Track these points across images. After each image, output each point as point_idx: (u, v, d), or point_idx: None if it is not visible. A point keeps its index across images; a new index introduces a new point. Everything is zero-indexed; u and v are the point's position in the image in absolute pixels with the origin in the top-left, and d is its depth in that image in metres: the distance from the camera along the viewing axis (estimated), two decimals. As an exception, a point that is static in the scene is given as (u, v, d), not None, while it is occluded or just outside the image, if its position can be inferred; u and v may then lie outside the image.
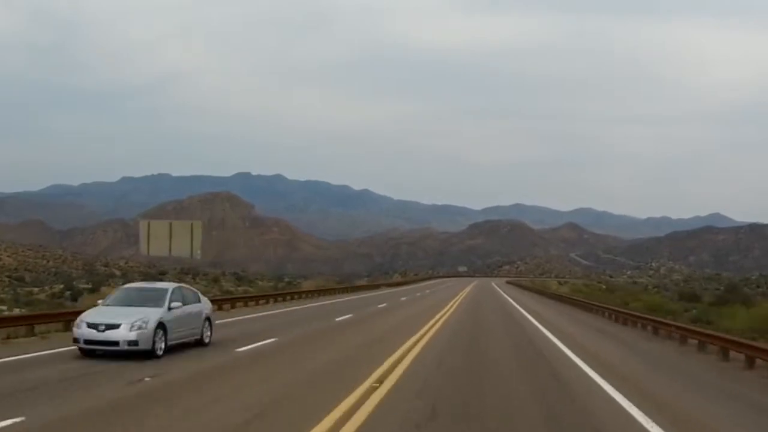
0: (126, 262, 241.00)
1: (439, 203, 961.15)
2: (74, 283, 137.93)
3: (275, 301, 66.73)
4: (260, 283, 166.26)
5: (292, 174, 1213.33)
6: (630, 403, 18.88)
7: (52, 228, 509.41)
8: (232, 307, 56.30)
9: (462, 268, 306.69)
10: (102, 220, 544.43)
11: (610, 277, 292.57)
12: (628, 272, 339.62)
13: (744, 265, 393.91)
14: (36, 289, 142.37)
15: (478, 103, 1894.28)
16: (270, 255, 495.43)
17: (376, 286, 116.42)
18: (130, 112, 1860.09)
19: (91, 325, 24.98)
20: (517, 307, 72.98)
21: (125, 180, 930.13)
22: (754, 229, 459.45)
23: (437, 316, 49.41)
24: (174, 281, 39.57)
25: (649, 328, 43.44)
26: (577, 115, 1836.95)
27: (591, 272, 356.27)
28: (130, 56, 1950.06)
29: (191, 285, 40.87)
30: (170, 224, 54.95)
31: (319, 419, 15.71)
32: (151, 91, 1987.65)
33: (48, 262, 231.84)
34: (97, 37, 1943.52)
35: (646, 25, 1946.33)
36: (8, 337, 30.95)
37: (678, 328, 38.42)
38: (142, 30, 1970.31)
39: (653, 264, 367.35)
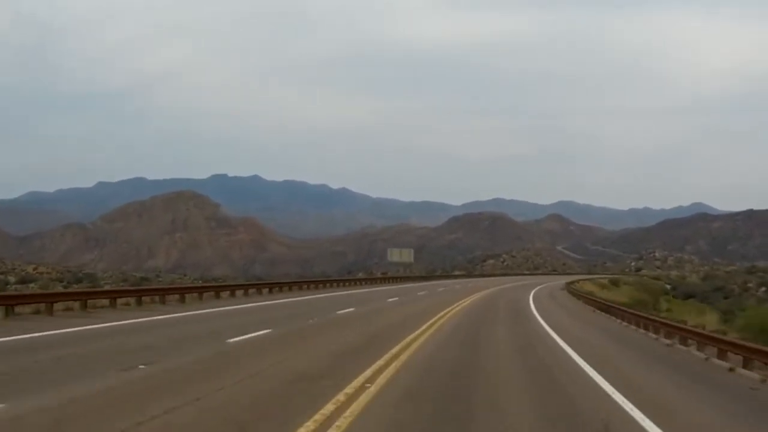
0: (35, 269, 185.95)
1: (418, 200, 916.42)
2: None
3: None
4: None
5: (270, 174, 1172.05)
6: None
7: (10, 234, 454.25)
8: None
9: (400, 255, 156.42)
10: (60, 225, 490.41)
11: (638, 270, 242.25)
12: (632, 264, 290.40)
13: (745, 254, 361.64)
14: None
15: (457, 100, 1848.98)
16: (236, 256, 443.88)
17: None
18: (105, 116, 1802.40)
19: None
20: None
21: (101, 185, 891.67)
22: (751, 215, 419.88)
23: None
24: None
25: None
26: (555, 110, 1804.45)
27: (587, 264, 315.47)
28: (108, 60, 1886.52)
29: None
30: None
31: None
32: (127, 95, 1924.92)
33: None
34: (74, 41, 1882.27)
35: (627, 17, 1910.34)
36: None
37: None
38: (120, 34, 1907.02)
39: (657, 254, 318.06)
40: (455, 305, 54.08)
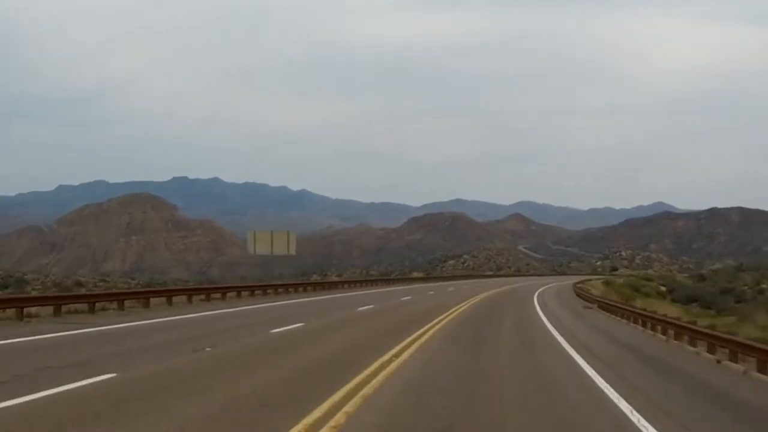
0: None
1: (378, 201, 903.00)
2: None
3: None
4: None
5: (230, 177, 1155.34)
6: None
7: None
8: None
9: (271, 243, 79.43)
10: (17, 228, 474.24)
11: (613, 269, 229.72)
12: (598, 263, 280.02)
13: (711, 252, 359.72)
14: None
15: (417, 101, 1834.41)
16: (193, 259, 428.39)
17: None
18: (67, 119, 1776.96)
19: None
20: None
21: (62, 188, 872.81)
22: (714, 213, 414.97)
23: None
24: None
25: None
26: (515, 110, 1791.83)
27: (550, 264, 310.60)
28: (70, 65, 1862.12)
29: None
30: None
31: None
32: (90, 99, 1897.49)
33: None
34: (35, 45, 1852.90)
35: (586, 16, 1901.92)
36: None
37: None
38: (80, 38, 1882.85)
39: (623, 253, 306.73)
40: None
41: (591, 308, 61.32)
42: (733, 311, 69.10)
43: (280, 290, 72.58)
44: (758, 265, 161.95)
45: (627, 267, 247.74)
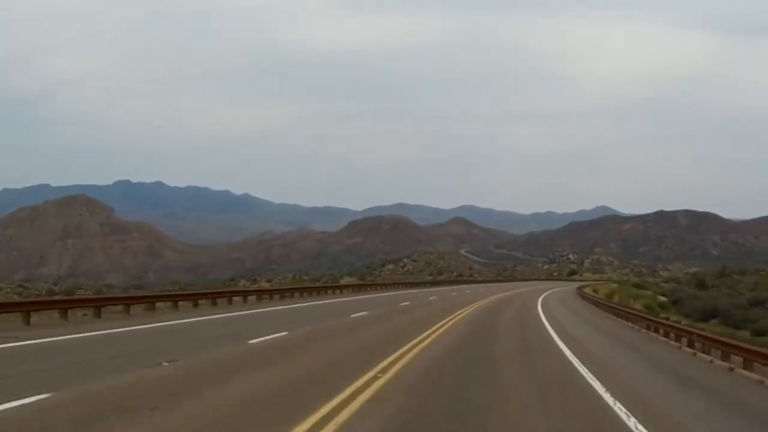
0: None
1: (321, 205, 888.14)
2: None
3: None
4: None
5: (173, 181, 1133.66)
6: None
7: None
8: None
9: None
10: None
11: (572, 273, 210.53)
12: (545, 267, 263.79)
13: (659, 255, 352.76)
14: None
15: (361, 105, 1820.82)
16: (129, 263, 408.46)
17: None
18: (11, 121, 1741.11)
19: None
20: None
21: (5, 192, 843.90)
22: (662, 216, 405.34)
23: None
24: None
25: None
26: (458, 115, 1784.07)
27: (494, 268, 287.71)
28: (13, 66, 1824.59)
29: None
30: None
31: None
32: (34, 102, 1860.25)
33: None
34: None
35: (529, 20, 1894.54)
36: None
37: None
38: (22, 41, 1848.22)
39: (571, 257, 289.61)
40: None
41: None
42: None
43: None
44: (744, 268, 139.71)
45: (577, 272, 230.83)
